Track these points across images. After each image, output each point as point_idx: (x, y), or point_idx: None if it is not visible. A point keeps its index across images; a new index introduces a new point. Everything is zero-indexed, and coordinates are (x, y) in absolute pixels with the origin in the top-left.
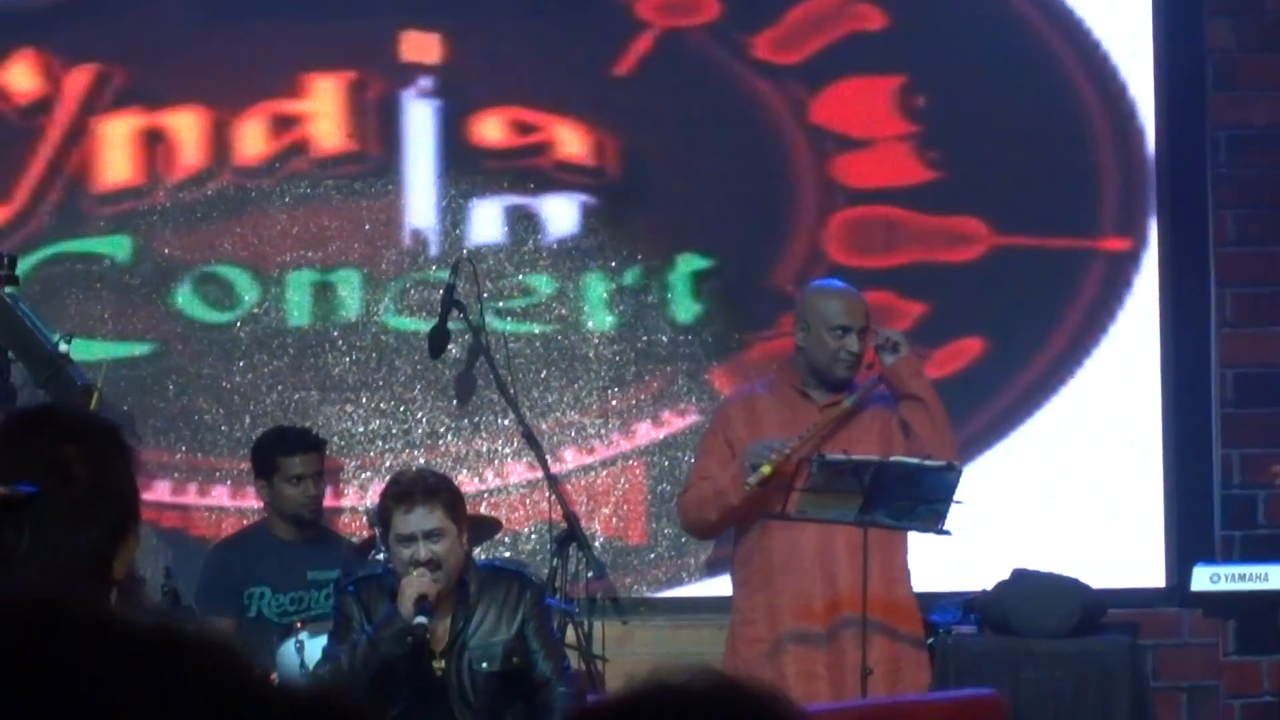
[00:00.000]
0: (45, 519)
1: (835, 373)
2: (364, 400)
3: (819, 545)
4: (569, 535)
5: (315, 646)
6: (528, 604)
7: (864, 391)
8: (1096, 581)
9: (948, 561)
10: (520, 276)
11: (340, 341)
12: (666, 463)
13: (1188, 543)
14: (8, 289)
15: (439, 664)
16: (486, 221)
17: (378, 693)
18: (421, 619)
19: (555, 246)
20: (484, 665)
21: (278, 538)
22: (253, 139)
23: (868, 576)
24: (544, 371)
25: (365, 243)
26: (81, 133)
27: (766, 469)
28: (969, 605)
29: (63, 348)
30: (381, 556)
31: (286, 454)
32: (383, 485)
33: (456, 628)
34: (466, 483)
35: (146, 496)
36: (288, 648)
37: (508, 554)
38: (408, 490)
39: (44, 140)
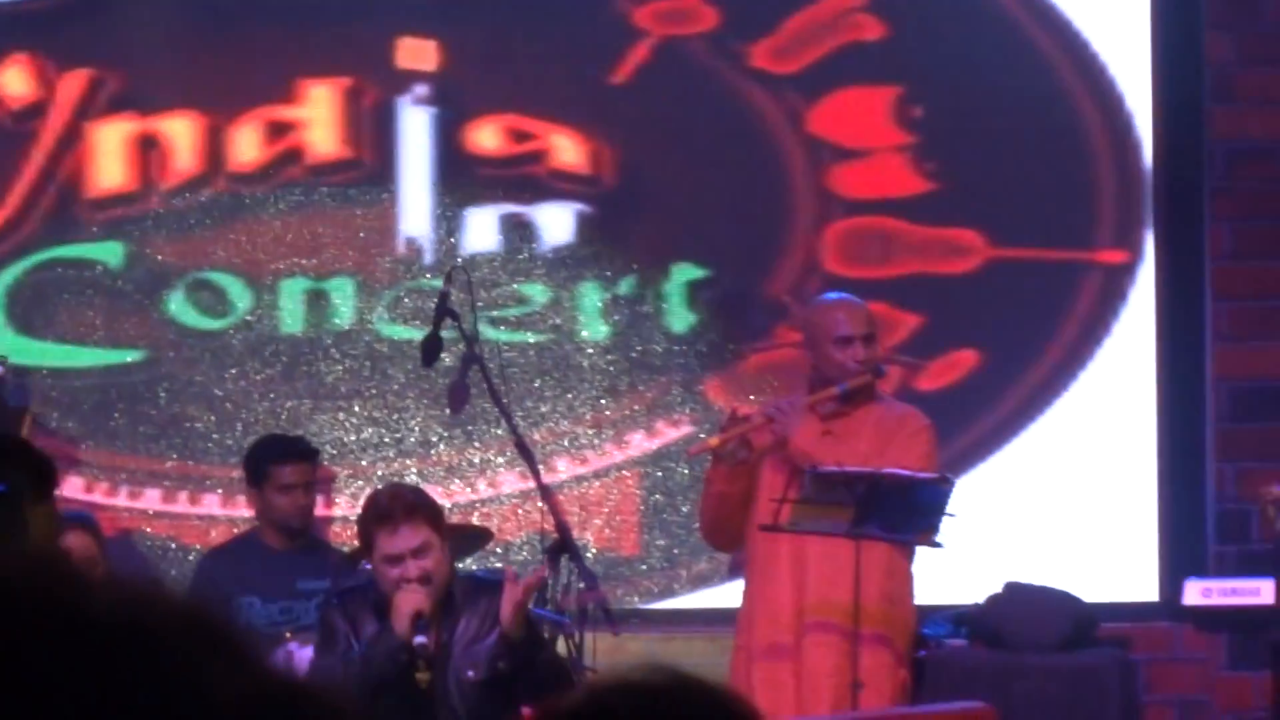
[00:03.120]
0: None
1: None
2: (356, 409)
3: (792, 554)
4: (560, 546)
5: (304, 657)
6: None
7: (855, 383)
8: (1089, 595)
9: (940, 575)
10: (515, 285)
11: (333, 349)
12: (660, 473)
13: (1181, 557)
14: None
15: (423, 675)
16: (481, 230)
17: (363, 705)
18: (420, 639)
19: (550, 255)
20: (469, 674)
21: (268, 547)
22: (247, 146)
23: (856, 585)
24: (537, 381)
25: (359, 250)
26: (75, 138)
27: (714, 440)
28: (960, 618)
29: None
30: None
31: (278, 462)
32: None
33: (441, 638)
34: (458, 492)
35: (137, 504)
36: (276, 658)
37: (499, 564)
38: (388, 510)
39: (37, 145)
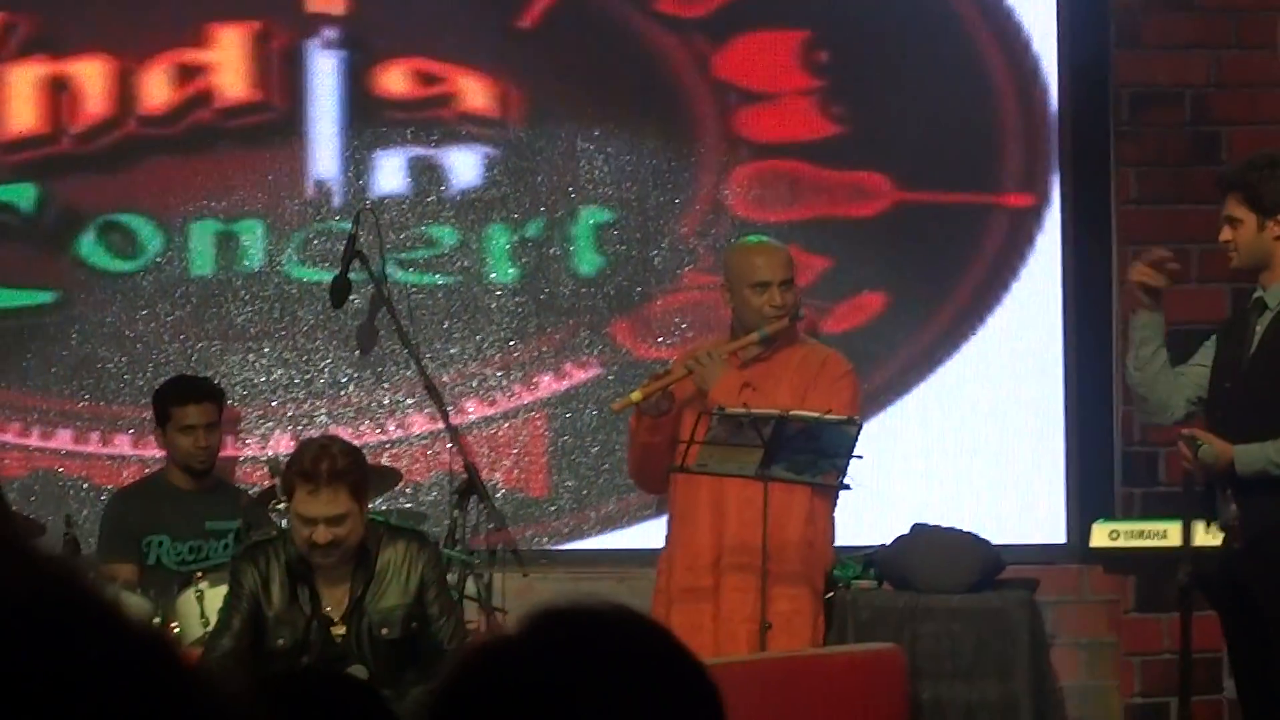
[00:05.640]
0: None
1: (764, 329)
2: (266, 350)
3: (711, 498)
4: (469, 487)
5: (215, 596)
6: (426, 566)
7: (773, 328)
8: (996, 537)
9: (847, 516)
10: (423, 228)
11: (243, 291)
12: (568, 415)
13: (1088, 499)
14: None
15: (339, 630)
16: (390, 173)
17: (278, 662)
18: None
19: (458, 198)
20: (384, 632)
21: (176, 487)
22: (157, 88)
23: (764, 528)
24: (446, 323)
25: (268, 193)
26: None
27: (635, 395)
28: (868, 560)
29: None
30: (282, 506)
31: (180, 403)
32: (284, 435)
33: (355, 594)
34: (368, 434)
35: (49, 445)
36: (188, 598)
37: (408, 505)
38: (312, 471)
39: None
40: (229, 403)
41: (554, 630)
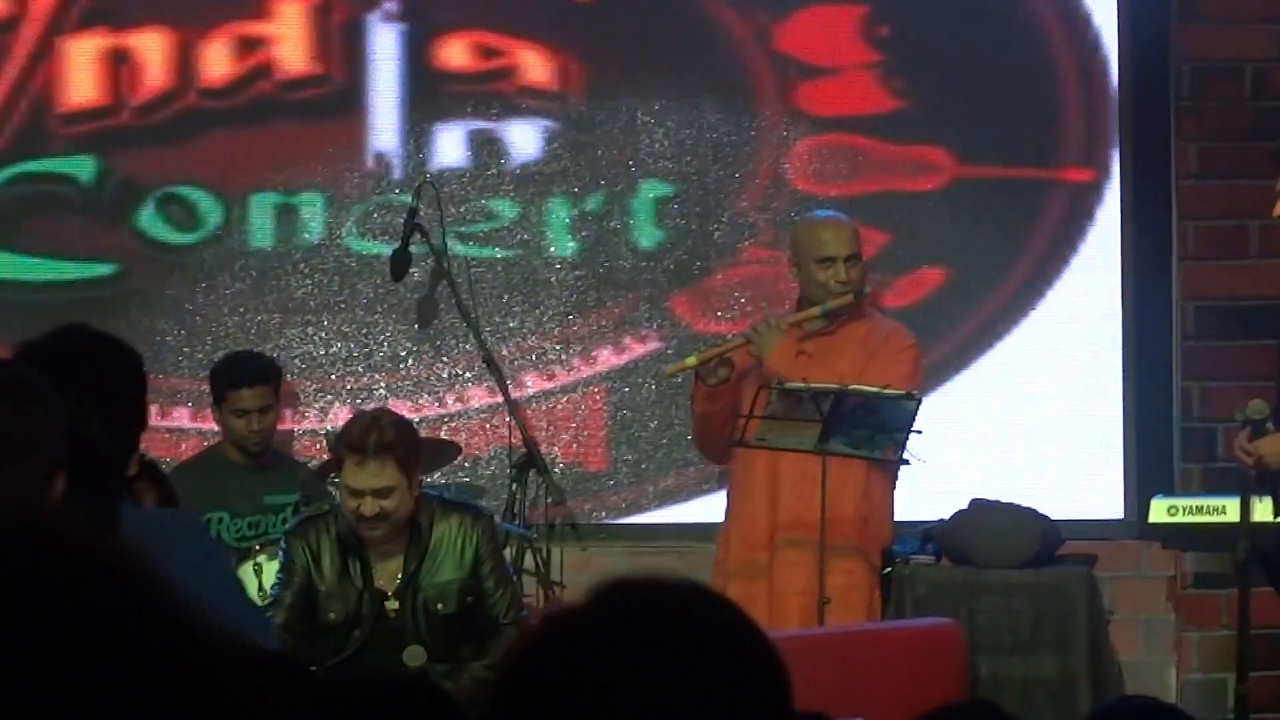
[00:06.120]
0: None
1: (827, 304)
2: (325, 323)
3: (767, 472)
4: (528, 460)
5: (273, 570)
6: (481, 540)
7: (836, 303)
8: (1055, 512)
9: (906, 491)
10: (483, 201)
11: (302, 264)
12: (627, 389)
13: (1147, 475)
14: None
15: (392, 605)
16: (450, 146)
17: (330, 636)
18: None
19: (518, 171)
20: (439, 607)
21: (232, 462)
22: (217, 61)
23: (822, 503)
24: (505, 296)
25: (328, 166)
26: (47, 52)
27: (691, 360)
28: (927, 535)
29: None
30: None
31: (233, 387)
32: (343, 408)
33: (409, 569)
34: (427, 407)
35: None
36: (245, 571)
37: (466, 479)
38: (360, 443)
39: (9, 59)
40: (287, 376)
41: (622, 603)
